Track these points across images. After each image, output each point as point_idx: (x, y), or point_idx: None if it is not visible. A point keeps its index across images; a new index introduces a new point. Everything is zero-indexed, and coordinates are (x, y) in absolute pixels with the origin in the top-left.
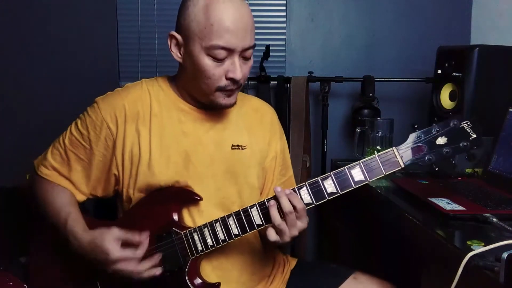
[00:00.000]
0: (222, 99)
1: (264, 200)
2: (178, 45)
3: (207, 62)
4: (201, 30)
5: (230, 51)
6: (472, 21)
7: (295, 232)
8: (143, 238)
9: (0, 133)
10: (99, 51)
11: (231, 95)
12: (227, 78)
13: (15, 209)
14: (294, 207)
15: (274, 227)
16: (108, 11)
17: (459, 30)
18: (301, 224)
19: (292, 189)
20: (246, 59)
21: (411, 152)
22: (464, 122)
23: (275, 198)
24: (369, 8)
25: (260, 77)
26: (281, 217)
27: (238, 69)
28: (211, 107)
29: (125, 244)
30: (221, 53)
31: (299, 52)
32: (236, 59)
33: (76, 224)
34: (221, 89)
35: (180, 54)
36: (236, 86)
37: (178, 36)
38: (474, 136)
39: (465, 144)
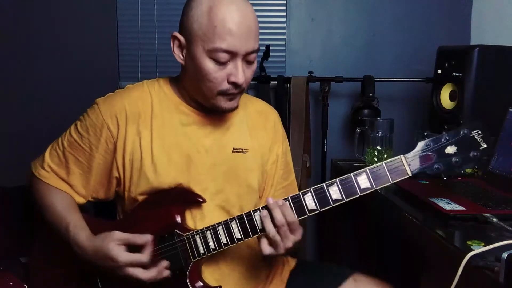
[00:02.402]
0: (223, 103)
1: (266, 205)
2: (180, 46)
3: (209, 65)
4: (204, 32)
5: (233, 54)
6: (472, 21)
7: (289, 244)
8: (147, 239)
9: (0, 133)
10: (99, 51)
11: (233, 99)
12: (229, 82)
13: (15, 209)
14: (286, 219)
15: (268, 238)
16: (108, 11)
17: (459, 30)
18: (295, 237)
19: (295, 195)
20: (249, 63)
21: (419, 160)
22: (474, 131)
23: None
24: (369, 8)
25: (260, 77)
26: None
27: (241, 73)
28: (212, 111)
29: (130, 247)
30: (224, 56)
31: (299, 52)
32: (239, 62)
33: (78, 231)
34: (222, 93)
35: (183, 55)
36: (238, 91)
37: (181, 37)
38: (485, 146)
39: (475, 154)
